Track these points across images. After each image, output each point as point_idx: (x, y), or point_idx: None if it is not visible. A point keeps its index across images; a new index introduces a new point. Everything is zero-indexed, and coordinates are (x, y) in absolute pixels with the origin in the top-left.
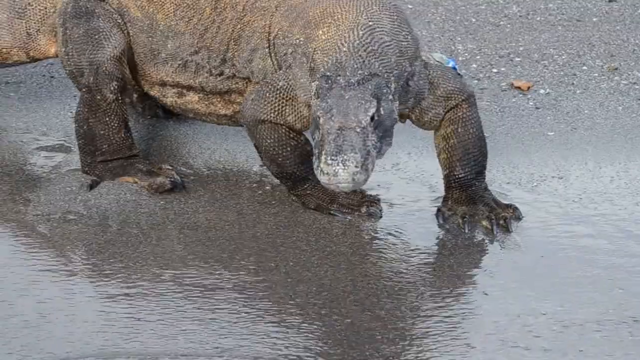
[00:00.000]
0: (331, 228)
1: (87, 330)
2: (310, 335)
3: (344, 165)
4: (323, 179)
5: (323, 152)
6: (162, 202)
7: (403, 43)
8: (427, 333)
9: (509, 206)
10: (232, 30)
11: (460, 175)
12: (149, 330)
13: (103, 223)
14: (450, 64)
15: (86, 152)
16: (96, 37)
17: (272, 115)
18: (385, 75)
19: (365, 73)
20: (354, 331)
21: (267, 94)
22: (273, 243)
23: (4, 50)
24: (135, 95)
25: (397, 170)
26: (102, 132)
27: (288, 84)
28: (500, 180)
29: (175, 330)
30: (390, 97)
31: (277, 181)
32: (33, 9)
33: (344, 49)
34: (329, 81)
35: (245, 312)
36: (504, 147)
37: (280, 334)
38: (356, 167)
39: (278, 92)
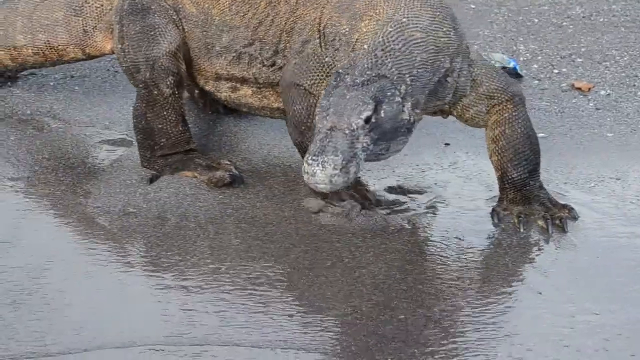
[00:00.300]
0: (387, 225)
1: (143, 321)
2: (363, 331)
3: (322, 167)
4: (304, 177)
5: (308, 151)
6: (220, 197)
7: (442, 39)
8: (479, 331)
9: (564, 206)
10: (285, 23)
11: (513, 176)
12: (204, 322)
13: (162, 216)
14: (511, 64)
15: (145, 147)
16: (152, 33)
17: (308, 82)
18: (396, 77)
19: (373, 74)
20: (406, 328)
21: (311, 63)
22: (329, 239)
23: (61, 47)
24: (196, 92)
25: (455, 169)
26: (160, 126)
27: (333, 61)
28: (557, 180)
29: (230, 323)
30: (397, 99)
31: None
32: (90, 6)
33: (365, 46)
34: (338, 79)
35: (299, 307)
36: (562, 148)
37: (334, 329)
38: (334, 169)
39: (321, 64)
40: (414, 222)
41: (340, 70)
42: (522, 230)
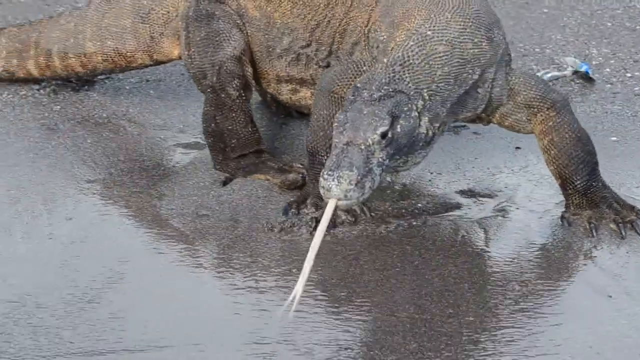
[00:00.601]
0: (457, 228)
1: (214, 321)
2: (434, 333)
3: (338, 182)
4: (320, 191)
5: (325, 165)
6: (291, 199)
7: (471, 51)
8: (549, 334)
9: (632, 207)
10: (339, 24)
11: (574, 182)
12: (274, 323)
13: (234, 218)
14: (584, 68)
15: (216, 150)
16: (217, 38)
17: (343, 90)
18: (413, 92)
19: (390, 89)
20: (476, 331)
21: (349, 71)
22: (399, 242)
23: (129, 54)
24: (268, 96)
25: (526, 172)
26: (229, 127)
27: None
28: (629, 184)
29: (299, 324)
30: (414, 114)
31: (406, 180)
32: (156, 13)
33: (385, 59)
34: (355, 93)
35: (369, 310)
36: (634, 152)
37: (403, 331)
38: (349, 184)
39: (358, 73)
40: (484, 225)
41: (359, 85)
42: (594, 235)
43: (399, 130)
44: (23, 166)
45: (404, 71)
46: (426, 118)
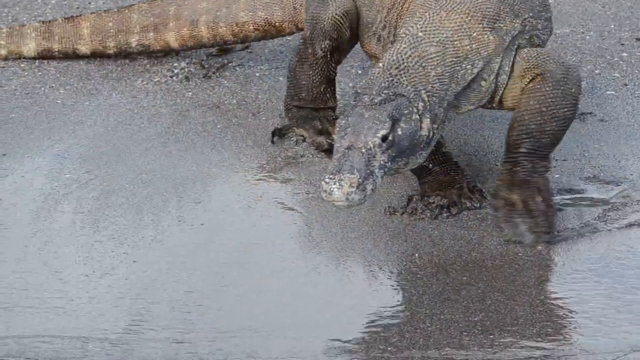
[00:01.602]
0: (581, 214)
1: (335, 304)
2: (499, 344)
3: (339, 185)
4: (322, 195)
5: (326, 170)
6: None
7: (467, 47)
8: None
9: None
10: (402, 7)
11: (511, 151)
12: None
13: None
14: None
15: (288, 95)
16: None
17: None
18: (413, 94)
19: (390, 93)
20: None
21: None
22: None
23: (277, 24)
24: None
25: None
26: (303, 82)
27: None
28: None
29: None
30: (415, 116)
31: None
32: None
33: (380, 64)
34: (357, 99)
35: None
36: None
37: (475, 345)
38: (351, 187)
39: None
40: (608, 212)
41: (359, 90)
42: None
43: (400, 133)
44: (154, 150)
45: (401, 74)
46: (427, 119)
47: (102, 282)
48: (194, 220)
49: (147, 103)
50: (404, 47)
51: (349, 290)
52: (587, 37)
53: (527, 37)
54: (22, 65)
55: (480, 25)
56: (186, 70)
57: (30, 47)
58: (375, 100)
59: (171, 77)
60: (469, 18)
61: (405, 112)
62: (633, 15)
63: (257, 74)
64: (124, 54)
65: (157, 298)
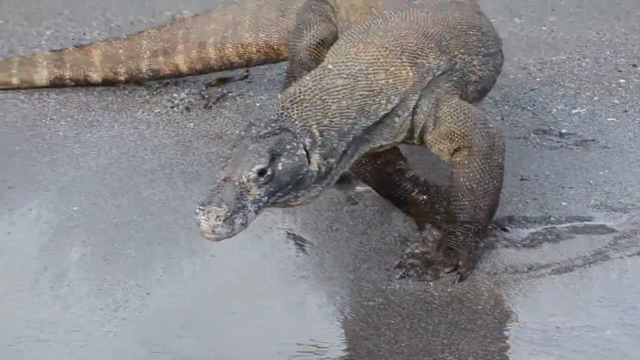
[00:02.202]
0: (592, 241)
1: (347, 332)
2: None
3: (207, 217)
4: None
5: (199, 200)
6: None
7: (383, 81)
8: None
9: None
10: None
11: (445, 219)
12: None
13: (366, 232)
14: None
15: None
16: (301, 27)
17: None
18: (300, 129)
19: (276, 127)
20: None
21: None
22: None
23: (275, 46)
24: None
25: None
26: None
27: None
28: None
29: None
30: (300, 152)
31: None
32: (292, 8)
33: (280, 95)
34: (247, 130)
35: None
36: None
37: None
38: (217, 220)
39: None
40: (619, 239)
41: (252, 121)
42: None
43: (280, 168)
44: (160, 182)
45: (293, 107)
46: (317, 155)
47: (117, 315)
48: (205, 252)
49: (149, 134)
50: (307, 80)
51: (364, 321)
52: (584, 63)
53: (457, 76)
54: (21, 97)
55: (399, 60)
56: (186, 100)
57: (42, 75)
58: (261, 133)
59: (172, 107)
60: (387, 52)
61: (288, 147)
62: (628, 41)
63: (258, 104)
64: (135, 80)
65: (172, 330)
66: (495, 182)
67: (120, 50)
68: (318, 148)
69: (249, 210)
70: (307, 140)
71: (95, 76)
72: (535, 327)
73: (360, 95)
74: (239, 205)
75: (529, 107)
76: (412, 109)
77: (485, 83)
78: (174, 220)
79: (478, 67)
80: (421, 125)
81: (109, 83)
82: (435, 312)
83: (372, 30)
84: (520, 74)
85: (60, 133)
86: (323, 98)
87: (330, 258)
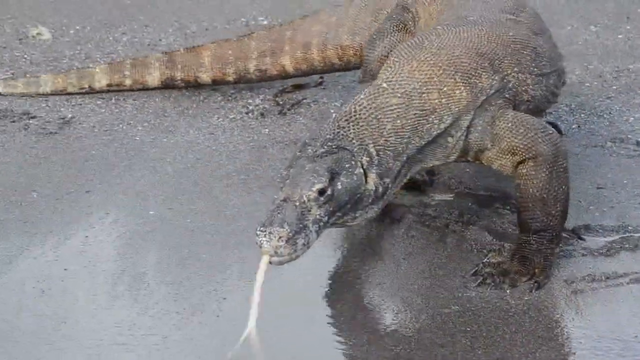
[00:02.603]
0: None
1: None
2: None
3: (269, 238)
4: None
5: (259, 222)
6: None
7: (437, 101)
8: None
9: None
10: None
11: (522, 230)
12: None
13: (442, 240)
14: None
15: None
16: (375, 36)
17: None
18: (357, 148)
19: (333, 145)
20: None
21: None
22: None
23: None
24: None
25: None
26: None
27: None
28: None
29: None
30: (358, 170)
31: None
32: (383, 13)
33: (334, 114)
34: (302, 149)
35: None
36: None
37: None
38: (280, 241)
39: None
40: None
41: (307, 140)
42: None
43: (339, 187)
44: (236, 187)
45: (349, 126)
46: (374, 174)
47: (193, 319)
48: None
49: (224, 140)
50: (362, 98)
51: (440, 329)
52: None
53: (510, 94)
54: (98, 102)
55: (452, 80)
56: (261, 107)
57: (154, 76)
58: (317, 153)
59: (246, 113)
60: (441, 71)
61: (347, 165)
62: None
63: (332, 110)
64: (243, 81)
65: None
66: (564, 187)
67: (230, 52)
68: (375, 167)
69: (311, 231)
70: (365, 159)
71: (205, 76)
72: (614, 337)
73: (414, 114)
74: (301, 225)
75: (605, 115)
76: (464, 128)
77: (538, 103)
78: (250, 224)
79: (531, 87)
80: (477, 144)
81: (217, 83)
82: (512, 320)
83: (425, 46)
84: (597, 82)
85: (137, 138)
86: (378, 117)
87: (405, 265)
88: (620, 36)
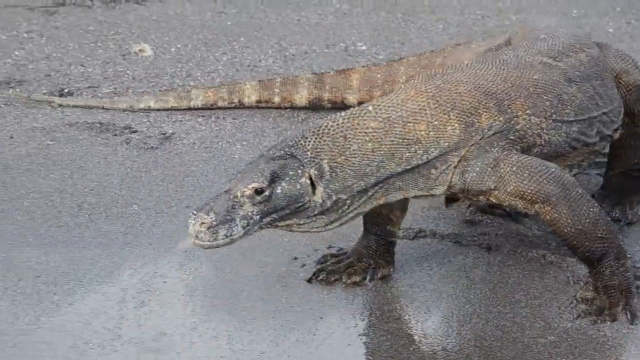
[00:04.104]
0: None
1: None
2: None
3: (194, 221)
4: None
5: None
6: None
7: (424, 133)
8: None
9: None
10: None
11: (587, 265)
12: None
13: (540, 270)
14: None
15: None
16: None
17: None
18: (308, 160)
19: (288, 152)
20: None
21: None
22: None
23: None
24: None
25: None
26: None
27: None
28: None
29: None
30: (303, 180)
31: None
32: None
33: (310, 123)
34: (267, 149)
35: None
36: None
37: None
38: (201, 227)
39: None
40: None
41: (276, 143)
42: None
43: (279, 191)
44: None
45: (312, 138)
46: (322, 188)
47: (291, 337)
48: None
49: None
50: (341, 116)
51: (536, 358)
52: None
53: (516, 136)
54: (198, 119)
55: (446, 115)
56: None
57: (302, 95)
58: (274, 155)
59: None
60: (436, 105)
61: (291, 173)
62: None
63: None
64: None
65: (345, 355)
66: (591, 208)
67: (378, 75)
68: (325, 181)
69: (237, 225)
70: (313, 172)
71: (352, 98)
72: None
73: (392, 141)
74: (228, 217)
75: None
76: (453, 165)
77: (557, 148)
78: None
79: (545, 131)
80: (476, 184)
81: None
82: (609, 352)
83: (434, 79)
84: None
85: (236, 156)
86: (347, 136)
87: (501, 293)
88: None
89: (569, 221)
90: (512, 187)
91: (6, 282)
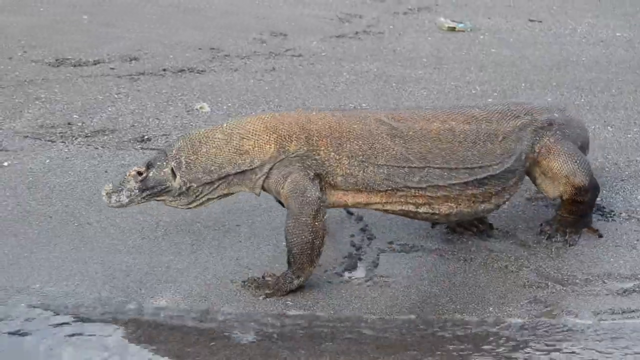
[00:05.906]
0: None
1: None
2: None
3: (103, 188)
4: None
5: None
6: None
7: (250, 147)
8: None
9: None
10: None
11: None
12: None
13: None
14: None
15: None
16: None
17: None
18: (172, 155)
19: (163, 149)
20: None
21: None
22: None
23: None
24: None
25: None
26: None
27: None
28: None
29: None
30: (166, 169)
31: None
32: None
33: (202, 130)
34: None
35: None
36: None
37: None
38: (104, 191)
39: None
40: None
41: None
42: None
43: (150, 175)
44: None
45: (180, 140)
46: (179, 177)
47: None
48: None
49: None
50: (211, 128)
51: None
52: None
53: (314, 163)
54: None
55: (268, 137)
56: None
57: None
58: (159, 150)
59: None
60: (265, 129)
61: (159, 163)
62: None
63: None
64: None
65: None
66: (307, 234)
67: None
68: (182, 173)
69: (123, 194)
70: (173, 164)
71: None
72: None
73: (229, 150)
74: (120, 188)
75: (620, 193)
76: (266, 173)
77: (367, 182)
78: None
79: (347, 166)
80: (274, 187)
81: None
82: (559, 338)
83: (286, 113)
84: (613, 168)
85: None
86: (201, 142)
87: (475, 294)
88: (629, 135)
89: (288, 229)
90: (286, 202)
91: (104, 280)
